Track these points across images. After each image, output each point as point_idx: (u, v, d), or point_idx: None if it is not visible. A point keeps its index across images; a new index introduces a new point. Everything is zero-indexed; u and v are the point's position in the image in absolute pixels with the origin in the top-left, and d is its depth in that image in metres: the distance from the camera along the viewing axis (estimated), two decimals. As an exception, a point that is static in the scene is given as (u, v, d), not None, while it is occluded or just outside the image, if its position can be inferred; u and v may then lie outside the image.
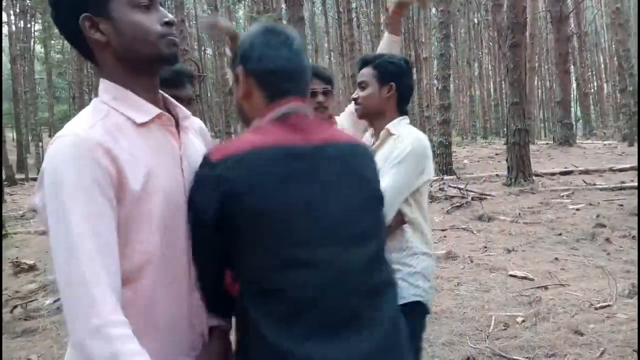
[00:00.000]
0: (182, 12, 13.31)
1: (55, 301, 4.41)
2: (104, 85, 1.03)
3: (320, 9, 28.56)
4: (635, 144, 12.80)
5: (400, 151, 1.73)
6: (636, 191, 7.01)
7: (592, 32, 33.62)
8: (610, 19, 20.28)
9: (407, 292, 1.77)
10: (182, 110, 1.11)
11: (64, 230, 0.88)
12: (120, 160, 0.93)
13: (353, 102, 1.92)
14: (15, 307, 4.42)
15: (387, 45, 2.22)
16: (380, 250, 1.15)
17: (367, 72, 1.87)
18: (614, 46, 24.86)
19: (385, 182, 1.63)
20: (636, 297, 3.61)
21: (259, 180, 1.01)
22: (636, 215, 5.85)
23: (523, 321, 3.44)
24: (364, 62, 1.91)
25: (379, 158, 1.72)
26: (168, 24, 1.02)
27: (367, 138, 1.98)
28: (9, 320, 4.17)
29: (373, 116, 1.88)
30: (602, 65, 34.97)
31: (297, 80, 1.13)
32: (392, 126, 1.82)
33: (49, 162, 0.92)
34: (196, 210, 1.04)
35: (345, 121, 2.23)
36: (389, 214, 1.66)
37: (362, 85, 1.87)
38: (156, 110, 1.02)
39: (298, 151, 1.05)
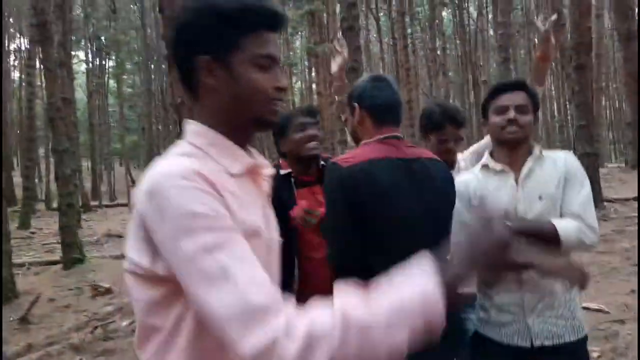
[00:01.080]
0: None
1: (130, 323, 4.67)
2: (199, 128, 0.97)
3: (375, 36, 28.89)
4: None
5: (581, 171, 1.79)
6: None
7: (665, 48, 31.74)
8: (685, 34, 19.10)
9: (584, 322, 1.77)
10: (261, 159, 1.07)
11: (202, 255, 0.80)
12: (223, 193, 0.88)
13: (509, 123, 1.76)
14: (95, 327, 4.72)
15: None
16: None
17: (527, 98, 1.80)
18: (690, 62, 23.32)
19: (589, 208, 1.77)
20: None
21: (376, 182, 1.51)
22: None
23: (599, 357, 3.28)
24: (520, 86, 1.82)
25: (552, 178, 1.75)
26: (280, 89, 1.00)
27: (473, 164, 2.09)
28: (90, 341, 4.46)
29: (526, 141, 1.81)
30: (678, 83, 32.84)
31: (395, 112, 1.68)
32: (539, 148, 1.81)
33: (154, 195, 0.84)
34: (332, 204, 1.56)
35: (467, 162, 2.31)
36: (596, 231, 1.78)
37: (524, 110, 1.77)
38: (250, 161, 0.99)
39: (398, 162, 1.58)
